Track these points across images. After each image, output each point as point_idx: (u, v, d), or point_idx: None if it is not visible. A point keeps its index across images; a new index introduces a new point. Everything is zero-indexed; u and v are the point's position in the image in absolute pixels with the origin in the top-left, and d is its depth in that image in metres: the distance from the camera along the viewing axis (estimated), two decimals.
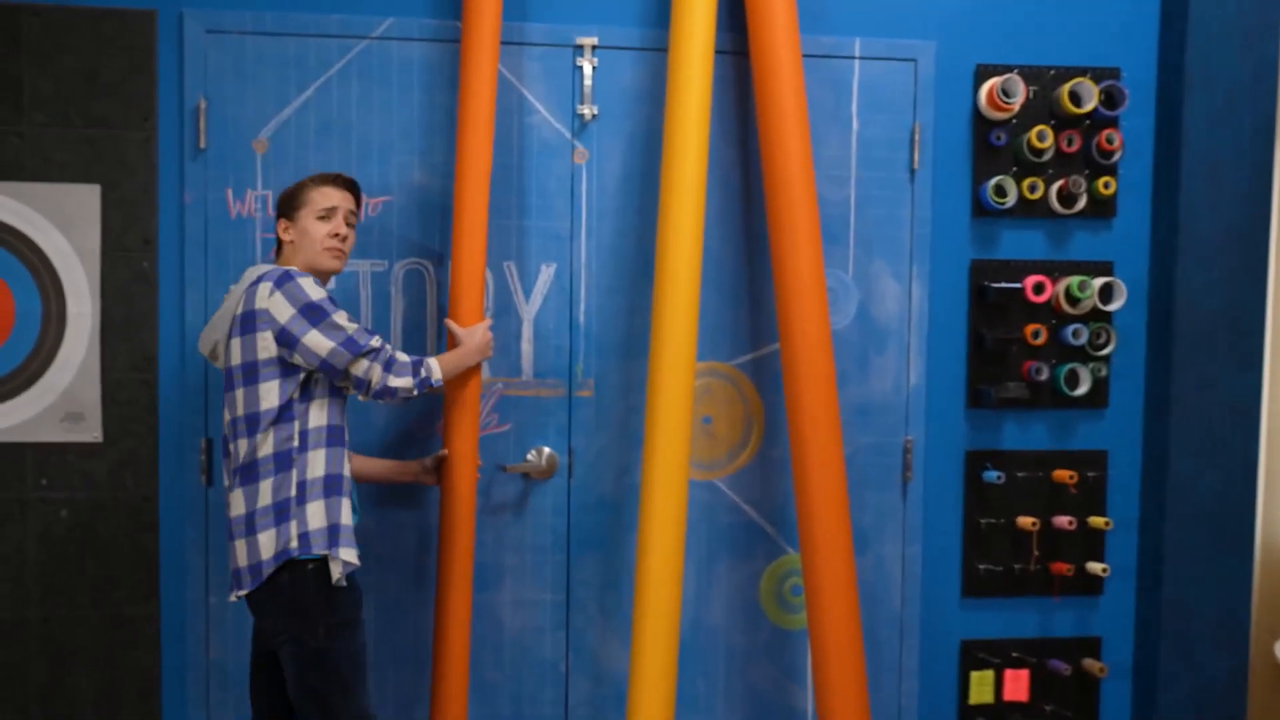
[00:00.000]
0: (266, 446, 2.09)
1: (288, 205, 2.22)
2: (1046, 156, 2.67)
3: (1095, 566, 2.72)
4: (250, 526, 2.08)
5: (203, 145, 2.49)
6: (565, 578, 2.63)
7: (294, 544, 2.06)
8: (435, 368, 2.22)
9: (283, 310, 2.07)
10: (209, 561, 2.52)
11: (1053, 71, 2.71)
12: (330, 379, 2.13)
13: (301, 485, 2.08)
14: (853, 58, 2.66)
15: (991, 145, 2.69)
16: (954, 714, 2.78)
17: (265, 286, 2.09)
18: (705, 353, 2.64)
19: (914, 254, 2.69)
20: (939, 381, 2.73)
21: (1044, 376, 2.68)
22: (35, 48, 2.44)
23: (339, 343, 2.08)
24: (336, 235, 2.20)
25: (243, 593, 2.11)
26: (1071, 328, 2.68)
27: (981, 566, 2.74)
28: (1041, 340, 2.68)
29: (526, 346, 2.60)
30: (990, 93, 2.65)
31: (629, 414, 2.64)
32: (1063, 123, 2.71)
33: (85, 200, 2.46)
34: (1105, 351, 2.72)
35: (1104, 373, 2.73)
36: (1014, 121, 2.70)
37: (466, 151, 2.38)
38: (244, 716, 2.47)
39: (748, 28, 2.51)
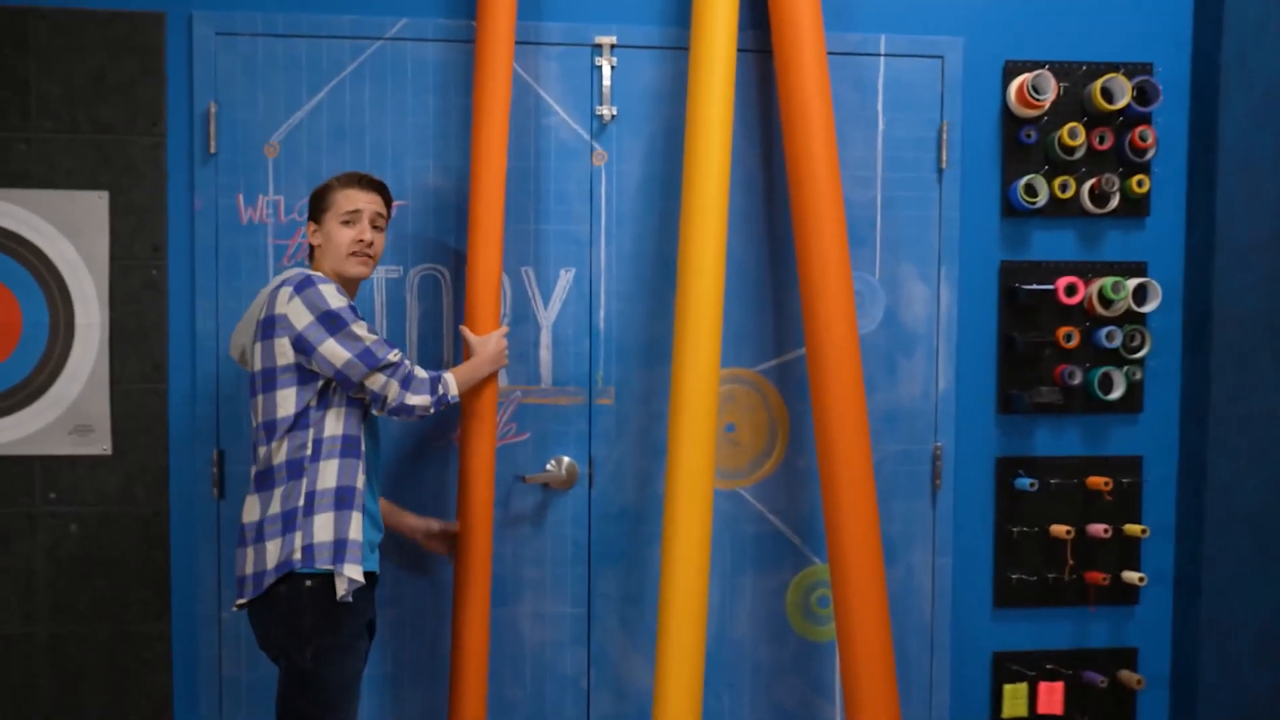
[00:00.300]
0: (281, 454, 2.06)
1: (315, 206, 2.19)
2: (1078, 154, 2.64)
3: (1131, 576, 2.68)
4: (260, 534, 2.06)
5: (213, 150, 2.46)
6: (586, 591, 2.60)
7: (297, 555, 2.02)
8: (452, 383, 2.19)
9: (300, 316, 2.04)
10: (221, 576, 2.49)
11: (1084, 67, 2.68)
12: (345, 390, 2.09)
13: (310, 495, 2.04)
14: (878, 55, 2.63)
15: (1021, 143, 2.66)
16: None
17: (285, 291, 2.06)
18: (728, 359, 2.61)
19: (942, 256, 2.66)
20: (969, 386, 2.69)
21: (1077, 381, 2.64)
22: (42, 51, 2.42)
23: (355, 354, 2.05)
24: (361, 240, 2.16)
25: (243, 601, 2.09)
26: (1105, 330, 2.65)
27: (1014, 576, 2.70)
28: (1074, 343, 2.65)
29: (545, 353, 2.57)
30: (1020, 89, 2.61)
31: (651, 422, 2.60)
32: (1094, 120, 2.68)
33: (93, 207, 2.44)
34: (1140, 354, 2.69)
35: (1139, 376, 2.70)
36: (1044, 119, 2.67)
37: (482, 154, 2.35)
38: None
39: (770, 25, 2.48)
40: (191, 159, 2.47)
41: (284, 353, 2.06)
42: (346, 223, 2.16)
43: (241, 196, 2.48)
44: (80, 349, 2.45)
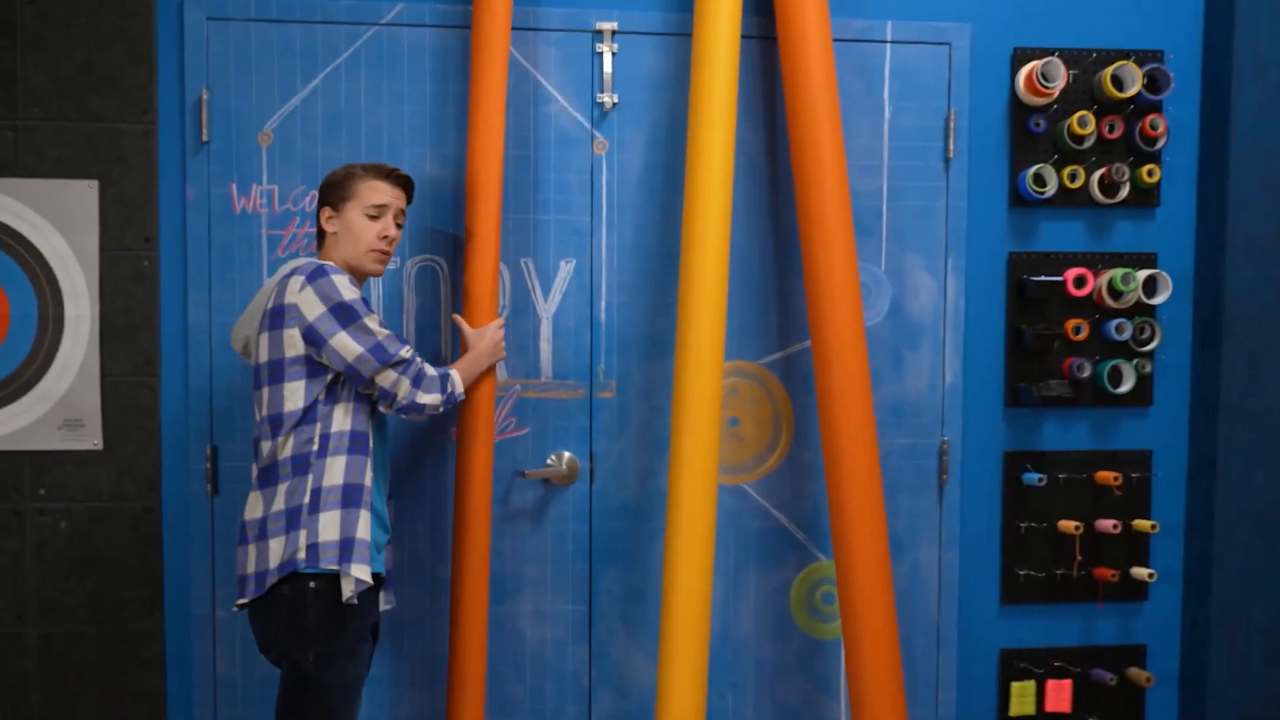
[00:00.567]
0: (287, 449, 2.02)
1: (334, 193, 2.14)
2: (1088, 143, 2.62)
3: (1141, 572, 2.67)
4: (263, 531, 2.03)
5: (205, 139, 2.43)
6: (587, 588, 2.58)
7: (301, 554, 1.99)
8: (457, 380, 2.18)
9: (312, 307, 2.00)
10: (215, 574, 2.47)
11: (1094, 54, 2.66)
12: (353, 385, 2.06)
13: (316, 492, 2.01)
14: (884, 42, 2.61)
15: (1030, 132, 2.64)
16: None
17: (296, 280, 2.02)
18: (732, 351, 2.59)
19: (949, 246, 2.64)
20: (976, 380, 2.68)
21: (1086, 374, 2.63)
22: (29, 38, 2.39)
23: (367, 349, 2.02)
24: (385, 238, 2.13)
25: (244, 601, 2.05)
26: (1114, 322, 2.63)
27: (1021, 572, 2.69)
28: (1083, 336, 2.63)
29: (545, 346, 2.55)
30: (1029, 77, 2.59)
31: (653, 416, 2.59)
32: (1104, 108, 2.66)
33: (83, 197, 2.41)
34: (1150, 347, 2.67)
35: (1148, 369, 2.69)
36: (1054, 107, 2.65)
37: (479, 142, 2.33)
38: None
39: (775, 11, 2.45)
40: (183, 148, 2.44)
41: (293, 344, 2.02)
42: (371, 216, 2.11)
43: (235, 186, 2.45)
44: (70, 342, 2.42)
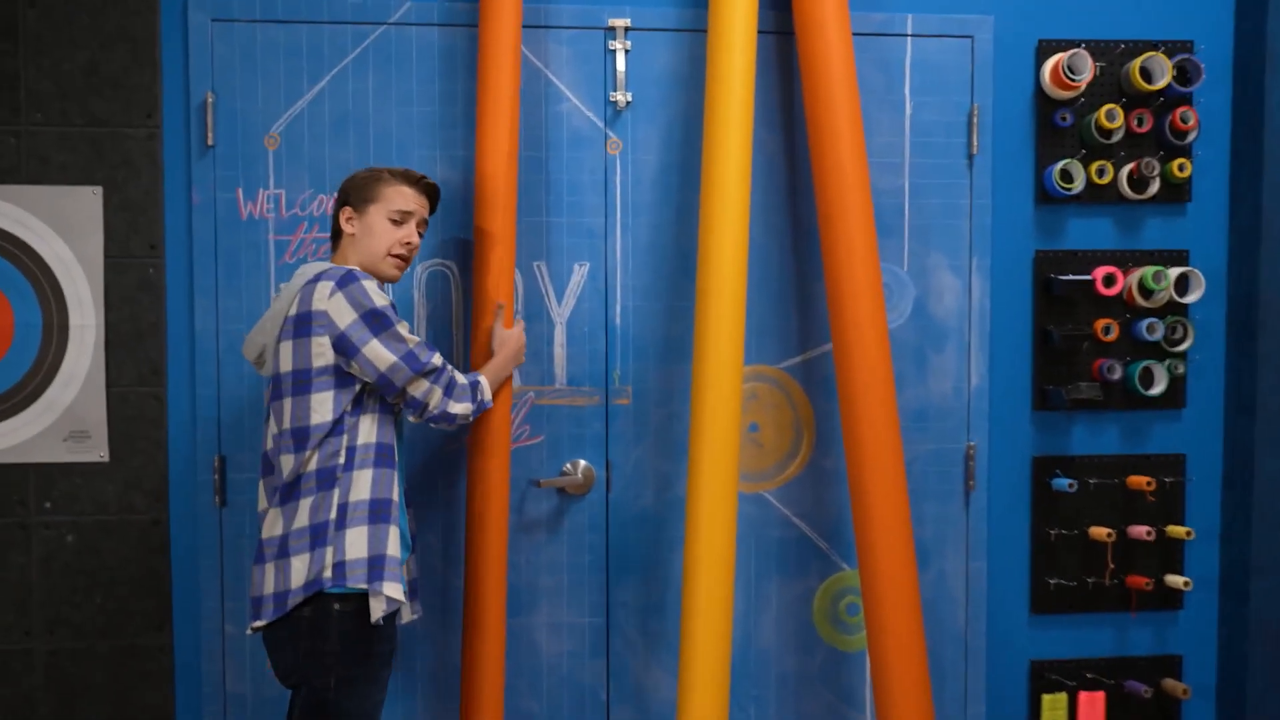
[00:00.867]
0: (312, 463, 1.97)
1: (356, 194, 2.11)
2: (1116, 138, 2.59)
3: (1175, 580, 2.64)
4: (284, 549, 1.96)
5: (210, 142, 2.42)
6: (605, 600, 2.56)
7: (327, 573, 1.93)
8: (486, 386, 2.15)
9: (343, 314, 1.96)
10: (225, 588, 2.45)
11: (1122, 46, 2.62)
12: (385, 394, 2.02)
13: (343, 508, 1.95)
14: (905, 35, 2.58)
15: (1056, 127, 2.61)
16: None
17: (325, 286, 1.97)
18: (751, 355, 2.56)
19: (974, 245, 2.61)
20: (1002, 382, 2.65)
21: (1116, 375, 2.59)
22: (31, 41, 2.37)
23: (400, 357, 1.98)
24: (407, 244, 2.10)
25: (261, 624, 1.98)
26: (1145, 322, 2.60)
27: (1051, 581, 2.66)
28: (1113, 336, 2.59)
29: (559, 352, 2.53)
30: (1054, 70, 2.55)
31: (670, 422, 2.56)
32: (1133, 101, 2.62)
33: (86, 204, 2.39)
34: (1182, 347, 2.64)
35: (1181, 370, 2.65)
36: (1080, 101, 2.62)
37: (490, 143, 2.31)
38: None
39: (792, 5, 2.43)
40: (188, 152, 2.42)
41: (321, 353, 1.96)
42: (395, 221, 2.09)
43: (241, 191, 2.43)
44: (75, 352, 2.40)
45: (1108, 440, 2.68)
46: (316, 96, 2.45)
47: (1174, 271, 2.58)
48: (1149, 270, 2.57)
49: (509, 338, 2.26)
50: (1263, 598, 2.63)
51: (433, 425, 2.11)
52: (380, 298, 1.99)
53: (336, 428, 1.98)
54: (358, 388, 2.00)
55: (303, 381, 1.97)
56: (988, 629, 2.65)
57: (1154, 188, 2.61)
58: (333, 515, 1.94)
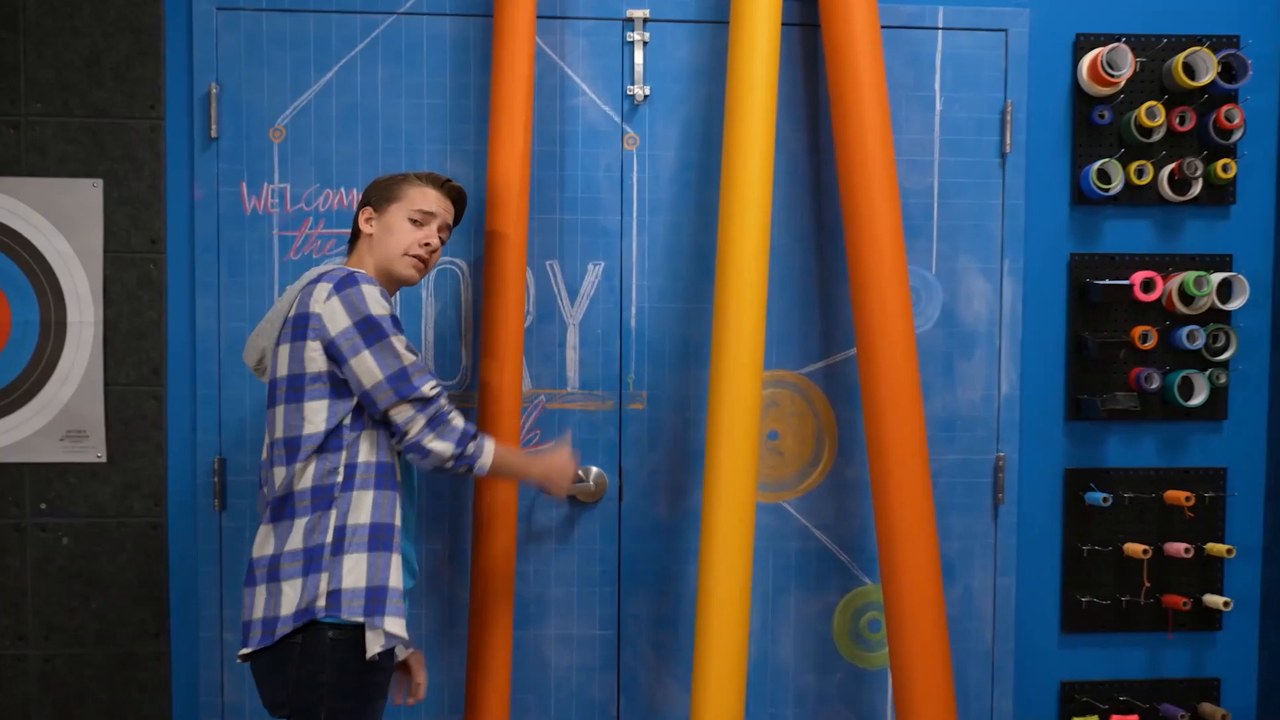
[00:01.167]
0: (305, 478, 1.86)
1: (378, 194, 2.04)
2: (1156, 136, 2.53)
3: (1215, 600, 2.57)
4: (274, 572, 1.86)
5: (214, 135, 2.38)
6: (616, 612, 2.51)
7: (321, 602, 1.81)
8: (488, 451, 1.95)
9: (337, 319, 1.86)
10: (224, 594, 2.41)
11: (1164, 40, 2.56)
12: (370, 413, 1.91)
13: (340, 531, 1.83)
14: (935, 28, 2.52)
15: (1094, 125, 2.55)
16: None
17: (323, 288, 1.88)
18: (771, 360, 2.52)
19: (1005, 248, 2.56)
20: (1034, 391, 2.59)
21: (1154, 385, 2.53)
22: (32, 30, 2.34)
23: (389, 374, 1.86)
24: (427, 245, 2.02)
25: (247, 651, 1.87)
26: (1186, 330, 2.54)
27: (1084, 599, 2.60)
28: (1151, 344, 2.54)
29: (571, 355, 2.49)
30: (1093, 65, 2.49)
31: (686, 429, 2.51)
32: (1175, 98, 2.57)
33: (86, 197, 2.36)
34: (1224, 356, 2.57)
35: (1223, 380, 2.58)
36: (1119, 97, 2.56)
37: (502, 138, 2.27)
38: None
39: None
40: (191, 144, 2.39)
41: (314, 358, 1.87)
42: (415, 221, 2.01)
43: (245, 185, 2.40)
44: (72, 349, 2.37)
45: (1144, 453, 2.62)
46: (324, 88, 2.41)
47: (1216, 277, 2.52)
48: (1190, 275, 2.51)
49: (556, 458, 2.05)
50: None
51: (407, 456, 1.93)
52: (379, 305, 1.88)
53: (332, 441, 1.87)
54: (356, 399, 1.90)
55: (296, 388, 1.88)
56: (1016, 648, 2.60)
57: (1196, 189, 2.55)
58: (329, 539, 1.84)
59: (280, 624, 1.83)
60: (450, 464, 1.91)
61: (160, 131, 2.38)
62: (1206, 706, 2.60)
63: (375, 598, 1.84)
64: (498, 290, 2.27)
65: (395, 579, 1.87)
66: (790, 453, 2.56)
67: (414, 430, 1.88)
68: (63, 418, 2.38)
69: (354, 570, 1.83)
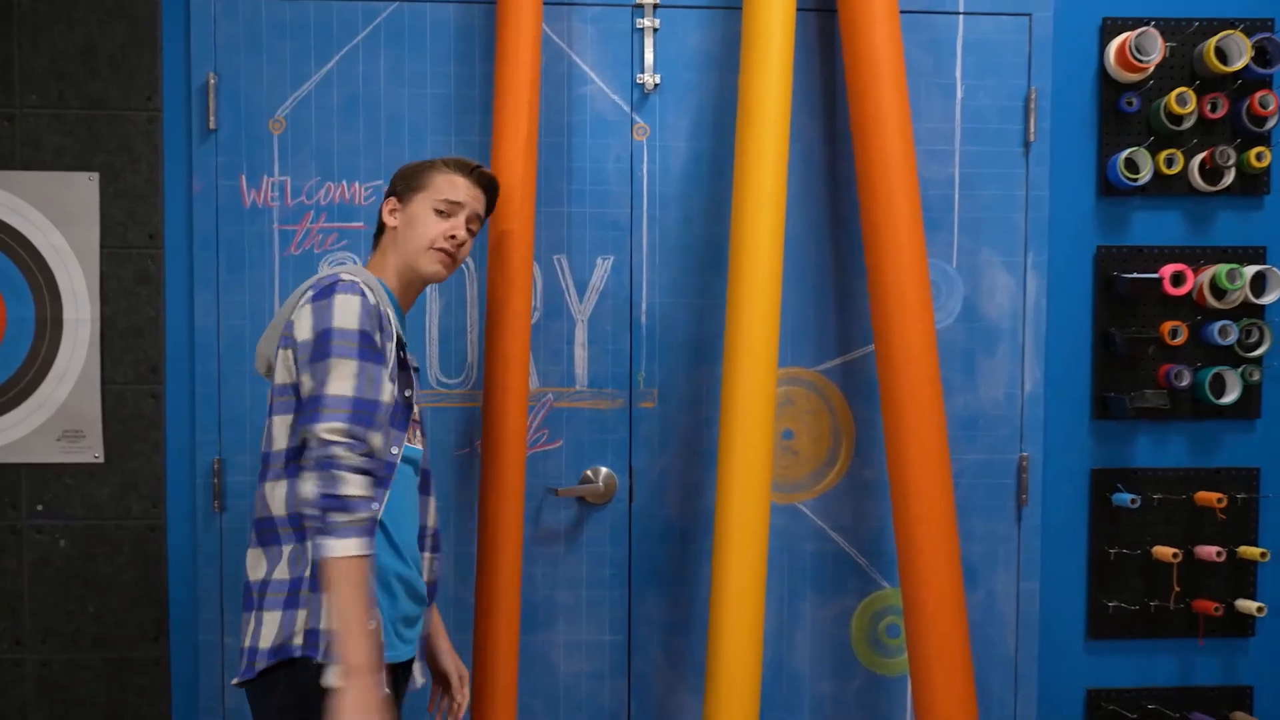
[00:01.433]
0: (277, 501, 1.76)
1: (403, 183, 1.94)
2: (1187, 124, 2.48)
3: (1247, 605, 2.52)
4: (261, 599, 1.76)
5: (213, 126, 2.35)
6: (626, 616, 2.49)
7: (297, 639, 1.69)
8: (350, 549, 1.62)
9: (303, 328, 1.73)
10: (224, 598, 2.39)
11: (1194, 24, 2.51)
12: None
13: (317, 565, 1.68)
14: (956, 13, 2.48)
15: (1121, 112, 2.50)
16: None
17: (307, 294, 1.78)
18: (786, 357, 2.48)
19: (1029, 240, 2.52)
20: (1059, 389, 2.55)
21: (1185, 383, 2.49)
22: (25, 20, 2.32)
23: (324, 393, 1.66)
24: (452, 238, 1.89)
25: (237, 681, 1.79)
26: (1217, 325, 2.49)
27: (1110, 604, 2.56)
28: (1181, 340, 2.50)
29: (580, 351, 2.45)
30: (1120, 50, 2.45)
31: (699, 428, 2.48)
32: (1207, 84, 2.52)
33: (82, 191, 2.34)
34: (1258, 352, 2.52)
35: (1256, 377, 2.53)
36: (1148, 84, 2.51)
37: (508, 128, 2.23)
38: None
39: None
40: (189, 136, 2.36)
41: (288, 368, 1.78)
42: (441, 212, 1.90)
43: (244, 177, 2.37)
44: (69, 347, 2.35)
45: (1174, 452, 2.58)
46: (324, 78, 2.38)
47: (1250, 270, 2.47)
48: (1222, 268, 2.46)
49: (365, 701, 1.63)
50: None
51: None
52: (350, 319, 1.70)
53: (296, 466, 1.74)
54: None
55: (274, 399, 1.79)
56: (1040, 655, 2.56)
57: (1228, 179, 2.50)
58: (308, 572, 1.70)
59: (258, 657, 1.73)
60: (308, 512, 1.64)
61: (157, 123, 2.35)
62: (1238, 715, 2.56)
63: None
64: (503, 286, 2.23)
65: (375, 618, 1.69)
66: (806, 452, 2.52)
67: (307, 463, 1.67)
68: (59, 417, 2.35)
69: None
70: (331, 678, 1.63)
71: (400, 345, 1.85)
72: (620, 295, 2.46)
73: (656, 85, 2.44)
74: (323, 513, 1.62)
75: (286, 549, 1.75)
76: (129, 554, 2.38)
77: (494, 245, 2.24)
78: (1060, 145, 2.52)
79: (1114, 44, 2.47)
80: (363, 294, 1.74)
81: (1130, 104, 2.49)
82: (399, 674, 1.85)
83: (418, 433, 1.93)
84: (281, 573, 1.74)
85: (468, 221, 1.93)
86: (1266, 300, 2.48)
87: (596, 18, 2.42)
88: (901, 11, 2.36)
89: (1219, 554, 2.49)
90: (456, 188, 1.92)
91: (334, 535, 1.61)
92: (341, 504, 1.62)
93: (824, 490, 2.52)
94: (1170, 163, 2.48)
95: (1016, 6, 2.47)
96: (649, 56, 2.42)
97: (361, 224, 2.38)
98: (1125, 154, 2.46)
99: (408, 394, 1.85)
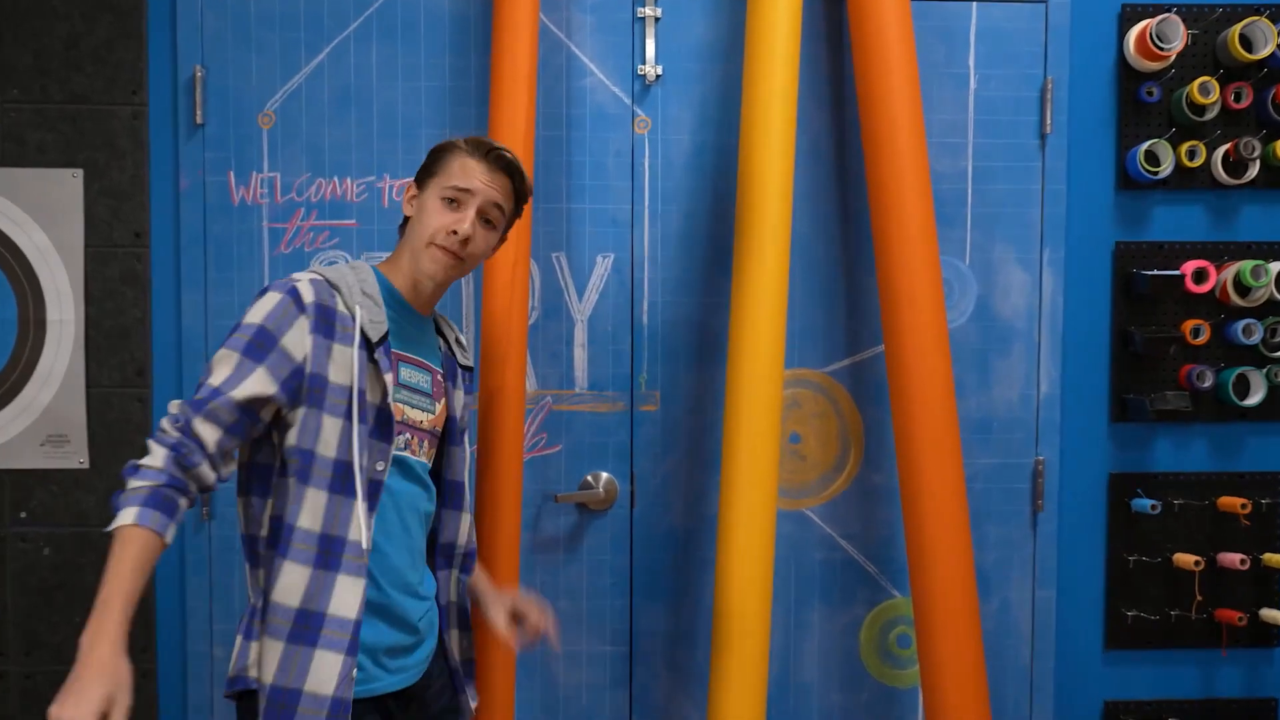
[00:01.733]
0: (241, 520, 1.69)
1: (423, 167, 1.77)
2: (1210, 115, 2.45)
3: (1272, 614, 2.49)
4: (241, 622, 1.69)
5: (200, 121, 2.33)
6: (628, 626, 2.46)
7: (252, 671, 1.61)
8: (127, 518, 1.49)
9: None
10: (213, 608, 2.36)
11: (1218, 10, 2.47)
12: None
13: (266, 609, 1.60)
14: (969, 0, 2.45)
15: (1141, 102, 2.47)
16: None
17: None
18: (793, 359, 2.45)
19: (1045, 236, 2.48)
20: (1076, 391, 2.52)
21: (1207, 383, 2.46)
22: (7, 12, 2.29)
23: (201, 380, 1.59)
24: (453, 233, 1.69)
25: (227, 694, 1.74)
26: (1241, 324, 2.45)
27: (1129, 613, 2.52)
28: (1203, 339, 2.47)
29: (579, 353, 2.43)
30: (1140, 38, 2.41)
31: (702, 432, 2.45)
32: (1230, 73, 2.48)
33: (66, 188, 2.31)
34: None
35: None
36: (1170, 73, 2.47)
37: (504, 121, 2.20)
38: None
39: None
40: (176, 132, 2.34)
41: None
42: (451, 200, 1.71)
43: (233, 174, 2.34)
44: (52, 349, 2.32)
45: (1196, 456, 2.54)
46: (315, 71, 2.35)
47: (1275, 266, 2.44)
48: (1246, 265, 2.42)
49: (106, 669, 1.57)
50: None
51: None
52: (259, 314, 1.60)
53: (257, 485, 1.64)
54: (291, 436, 1.60)
55: None
56: (1056, 666, 2.53)
57: (1253, 171, 2.47)
58: (261, 604, 1.61)
59: (228, 685, 1.67)
60: (124, 476, 1.55)
61: (143, 118, 2.33)
62: None
63: (285, 701, 1.57)
64: (500, 284, 2.20)
65: (320, 682, 1.58)
66: (813, 457, 2.49)
67: (154, 441, 1.56)
68: (43, 421, 2.32)
69: (270, 659, 1.59)
70: None
71: (373, 346, 1.67)
72: (621, 294, 2.43)
73: (658, 76, 2.41)
74: (126, 476, 1.53)
75: (251, 572, 1.69)
76: None
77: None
78: (1078, 137, 2.48)
79: (1134, 31, 2.44)
80: (290, 292, 1.62)
81: (1151, 94, 2.45)
82: (391, 706, 1.73)
83: (424, 443, 1.80)
84: (251, 596, 1.69)
85: (482, 212, 1.73)
86: None
87: (596, 7, 2.39)
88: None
89: (1242, 561, 2.46)
90: (468, 172, 1.71)
91: (119, 504, 1.50)
92: (133, 470, 1.52)
93: (832, 496, 2.49)
94: (1192, 155, 2.45)
95: None
96: (650, 47, 2.39)
97: (354, 221, 2.35)
98: (1145, 146, 2.43)
99: (387, 400, 1.68)
